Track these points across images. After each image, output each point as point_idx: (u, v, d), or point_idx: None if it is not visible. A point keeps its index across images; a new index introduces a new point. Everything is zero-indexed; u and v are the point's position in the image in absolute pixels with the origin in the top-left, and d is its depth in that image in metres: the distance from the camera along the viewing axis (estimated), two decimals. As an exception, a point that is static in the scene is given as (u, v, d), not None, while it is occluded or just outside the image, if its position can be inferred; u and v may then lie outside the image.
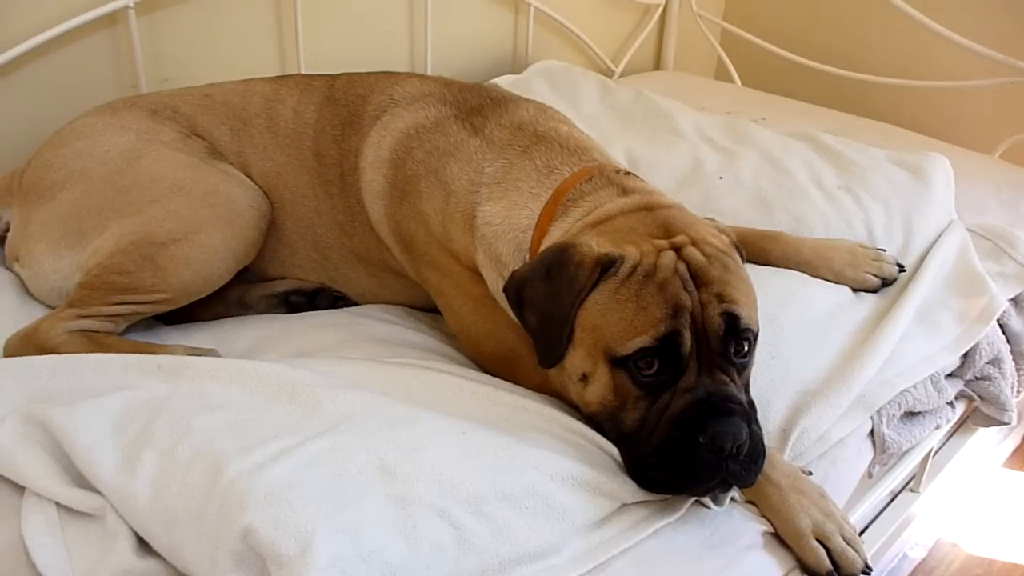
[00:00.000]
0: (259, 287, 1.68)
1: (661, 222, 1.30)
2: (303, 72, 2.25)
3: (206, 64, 2.17)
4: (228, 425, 1.16)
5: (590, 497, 1.18)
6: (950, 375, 1.70)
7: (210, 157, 1.63)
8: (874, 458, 1.55)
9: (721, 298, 1.22)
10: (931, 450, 1.80)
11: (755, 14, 3.42)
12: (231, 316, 1.64)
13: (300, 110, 1.68)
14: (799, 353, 1.53)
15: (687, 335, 1.19)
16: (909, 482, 1.83)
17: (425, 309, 1.68)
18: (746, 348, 1.26)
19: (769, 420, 1.39)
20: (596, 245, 1.24)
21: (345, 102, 1.68)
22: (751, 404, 1.26)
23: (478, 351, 1.49)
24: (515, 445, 1.19)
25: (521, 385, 1.39)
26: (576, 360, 1.27)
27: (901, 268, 1.76)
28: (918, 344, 1.63)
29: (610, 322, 1.22)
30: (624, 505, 1.21)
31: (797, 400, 1.45)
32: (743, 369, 1.28)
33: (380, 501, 1.06)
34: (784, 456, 1.38)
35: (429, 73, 2.35)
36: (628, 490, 1.21)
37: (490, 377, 1.41)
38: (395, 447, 1.13)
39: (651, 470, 1.20)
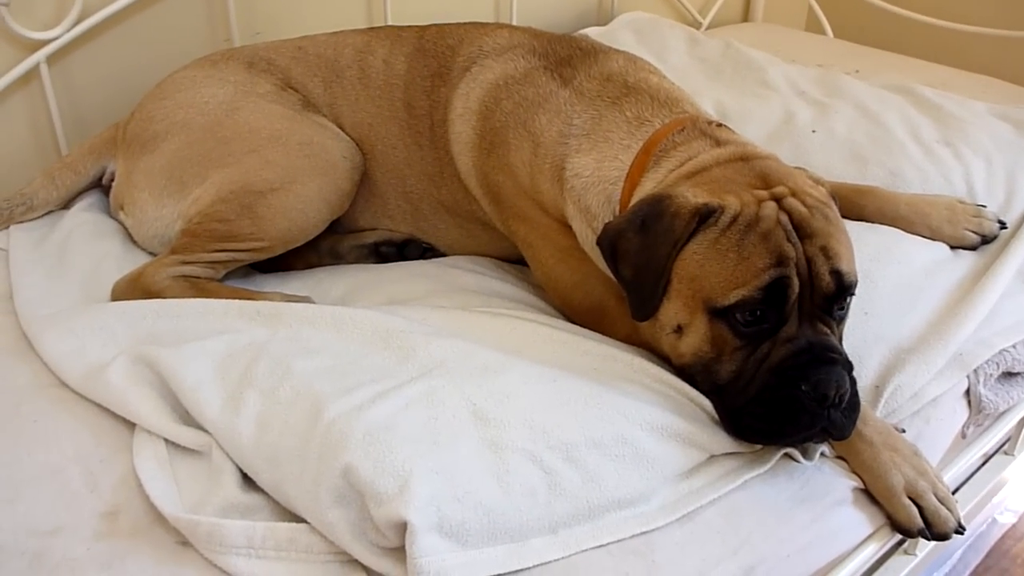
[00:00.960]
0: (350, 237, 1.71)
1: (758, 172, 1.28)
2: (391, 24, 2.25)
3: (296, 18, 2.19)
4: (326, 369, 1.19)
5: (679, 447, 1.18)
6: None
7: (304, 109, 1.65)
8: (969, 418, 1.52)
9: (826, 252, 1.21)
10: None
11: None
12: (324, 266, 1.68)
13: (391, 61, 1.69)
14: (893, 310, 1.49)
15: (793, 285, 1.18)
16: (1003, 444, 1.78)
17: (513, 261, 1.69)
18: (847, 301, 1.26)
19: (862, 377, 1.36)
20: (693, 196, 1.23)
21: (435, 53, 1.68)
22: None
23: (566, 302, 1.50)
24: (605, 394, 1.19)
25: (609, 336, 1.39)
26: (671, 312, 1.26)
27: (1002, 225, 1.70)
28: (1019, 302, 1.59)
29: (709, 273, 1.21)
30: (713, 456, 1.22)
31: (891, 357, 1.43)
32: (840, 321, 1.27)
33: (474, 444, 1.08)
34: (876, 413, 1.36)
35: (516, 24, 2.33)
36: (718, 441, 1.21)
37: (579, 328, 1.41)
38: (487, 393, 1.15)
39: (748, 419, 1.20)
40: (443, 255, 1.72)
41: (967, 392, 1.50)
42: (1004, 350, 1.52)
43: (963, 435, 1.54)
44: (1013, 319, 1.56)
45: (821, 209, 1.25)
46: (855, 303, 1.32)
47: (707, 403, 1.24)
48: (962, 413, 1.50)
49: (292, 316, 1.32)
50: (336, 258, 1.70)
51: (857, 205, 1.67)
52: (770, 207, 1.22)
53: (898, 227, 1.67)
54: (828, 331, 1.22)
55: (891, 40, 3.00)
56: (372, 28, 1.83)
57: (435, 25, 1.77)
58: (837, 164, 1.87)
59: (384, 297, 1.50)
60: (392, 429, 1.07)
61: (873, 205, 1.67)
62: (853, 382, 1.20)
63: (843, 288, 1.22)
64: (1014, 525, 2.21)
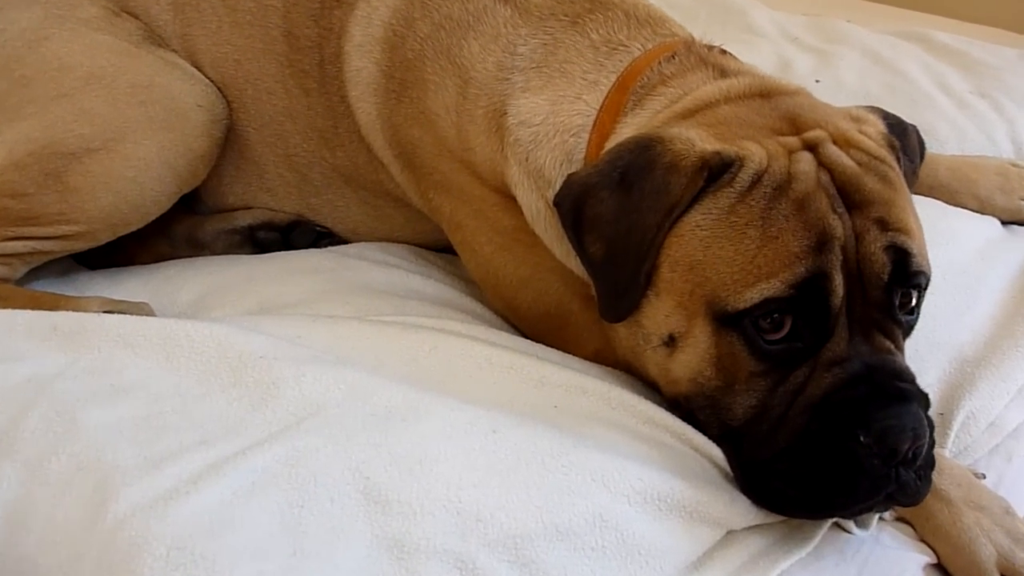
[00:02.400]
0: (216, 219, 1.28)
1: (785, 113, 0.93)
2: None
3: None
4: (134, 421, 0.77)
5: (685, 525, 0.81)
6: None
7: (145, 41, 1.22)
8: (1047, 450, 1.14)
9: (884, 224, 0.86)
10: None
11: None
12: (180, 258, 1.25)
13: None
14: (949, 307, 1.14)
15: (838, 280, 0.83)
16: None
17: (439, 249, 1.28)
18: (914, 299, 0.91)
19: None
20: (698, 139, 0.87)
21: None
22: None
23: (511, 305, 1.10)
24: (572, 450, 0.80)
25: (573, 353, 1.01)
26: (660, 314, 0.90)
27: None
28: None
29: (719, 258, 0.85)
30: (732, 533, 0.84)
31: (954, 372, 1.08)
32: (909, 331, 0.91)
33: (363, 548, 0.69)
34: (945, 453, 0.99)
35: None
36: (739, 511, 0.84)
37: (532, 344, 1.01)
38: (389, 457, 0.75)
39: (777, 481, 0.85)
40: (344, 242, 1.29)
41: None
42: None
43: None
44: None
45: (875, 166, 0.90)
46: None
47: (719, 453, 0.87)
48: (1052, 445, 1.13)
49: (103, 335, 0.88)
50: (196, 247, 1.27)
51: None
52: (806, 161, 0.87)
53: (937, 198, 1.32)
54: (892, 347, 0.87)
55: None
56: None
57: None
58: (850, 120, 1.50)
59: (253, 302, 1.07)
60: (223, 532, 0.66)
61: (906, 172, 1.30)
62: (931, 426, 0.84)
63: (904, 273, 0.87)
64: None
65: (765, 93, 0.96)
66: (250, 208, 1.30)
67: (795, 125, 0.91)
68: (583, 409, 0.87)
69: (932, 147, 1.42)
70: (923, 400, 0.85)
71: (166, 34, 1.25)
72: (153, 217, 1.16)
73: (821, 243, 0.83)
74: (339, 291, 1.08)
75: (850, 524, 0.89)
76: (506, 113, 1.04)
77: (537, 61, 1.05)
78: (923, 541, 0.93)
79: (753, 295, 0.82)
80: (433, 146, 1.10)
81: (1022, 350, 1.09)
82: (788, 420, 0.84)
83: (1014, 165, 1.37)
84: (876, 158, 0.91)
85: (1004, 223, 1.33)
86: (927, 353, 1.07)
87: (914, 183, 1.01)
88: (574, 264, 1.02)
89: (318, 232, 1.29)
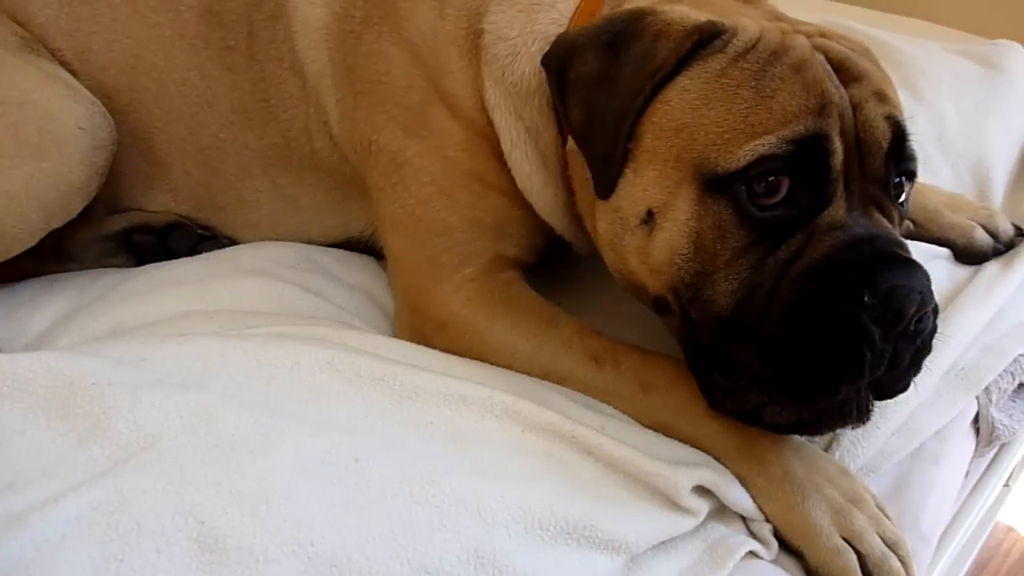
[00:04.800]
0: (85, 227, 1.15)
1: (772, 13, 0.93)
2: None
3: None
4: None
5: (575, 554, 0.72)
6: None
7: (23, 49, 1.09)
8: (975, 452, 1.09)
9: (883, 97, 0.83)
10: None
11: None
12: (45, 274, 1.11)
13: None
14: None
15: (837, 142, 0.79)
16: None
17: (356, 247, 1.19)
18: (906, 190, 0.87)
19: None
20: (692, 12, 0.84)
21: None
22: None
23: (409, 251, 1.02)
24: (445, 476, 0.71)
25: (426, 311, 0.97)
26: (638, 189, 0.85)
27: (1019, 232, 1.24)
28: (1030, 290, 1.16)
29: (708, 119, 0.80)
30: (636, 559, 0.76)
31: None
32: (902, 219, 0.88)
33: None
34: (858, 460, 0.92)
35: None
36: (637, 528, 0.75)
37: (410, 348, 0.92)
38: (230, 496, 0.65)
39: (779, 360, 0.77)
40: (227, 244, 1.18)
41: (975, 419, 1.07)
42: (1020, 356, 1.09)
43: (965, 474, 1.10)
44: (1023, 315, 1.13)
45: (866, 54, 0.89)
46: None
47: (619, 453, 0.79)
48: (969, 446, 1.07)
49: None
50: (65, 260, 1.14)
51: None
52: (801, 39, 0.84)
53: None
54: (889, 224, 0.83)
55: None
56: None
57: None
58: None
59: (107, 325, 0.96)
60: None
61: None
62: (936, 310, 0.80)
63: (901, 147, 0.83)
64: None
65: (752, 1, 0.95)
66: (122, 214, 1.18)
67: (788, 23, 0.89)
68: (462, 422, 0.78)
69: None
70: (925, 275, 0.78)
71: (49, 34, 1.13)
72: (10, 256, 1.01)
73: (820, 105, 0.78)
74: (204, 306, 0.96)
75: (762, 549, 0.82)
76: (482, 31, 0.97)
77: None
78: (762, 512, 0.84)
79: (747, 153, 0.77)
80: (403, 78, 1.01)
81: (937, 353, 0.99)
82: (781, 291, 0.77)
83: (958, 195, 1.29)
84: (865, 50, 0.89)
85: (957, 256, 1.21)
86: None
87: None
88: (540, 202, 0.98)
89: (199, 234, 1.18)
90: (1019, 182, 1.41)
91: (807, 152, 0.78)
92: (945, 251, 1.20)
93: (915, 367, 0.80)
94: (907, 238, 1.19)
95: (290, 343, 0.82)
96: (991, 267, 1.16)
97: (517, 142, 0.97)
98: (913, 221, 1.22)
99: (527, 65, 0.96)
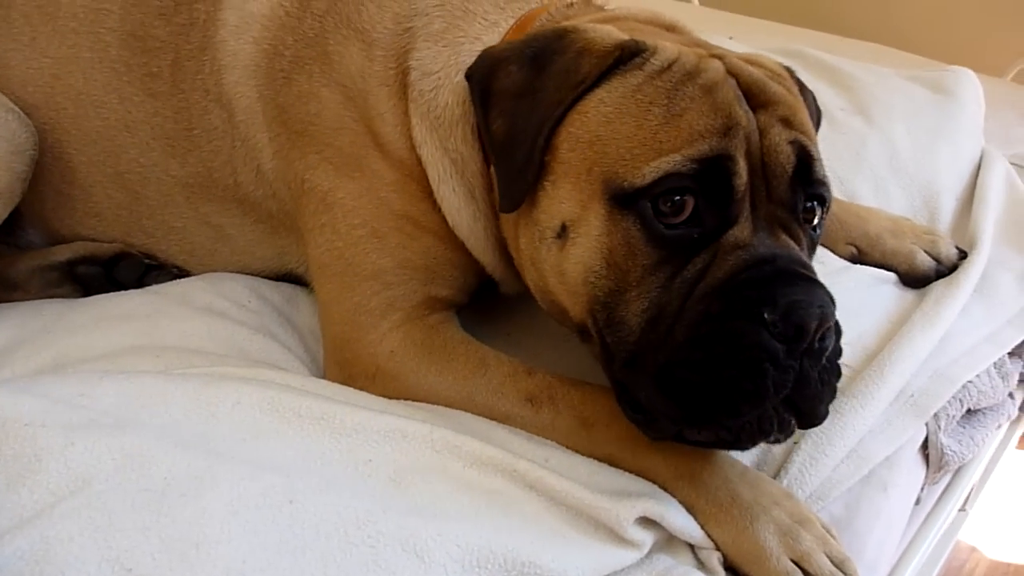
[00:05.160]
0: (30, 256, 1.14)
1: (691, 40, 0.95)
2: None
3: None
4: None
5: None
6: (1011, 354, 1.23)
7: None
8: (926, 478, 1.09)
9: (789, 123, 0.84)
10: (990, 458, 1.34)
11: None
12: (-12, 304, 1.10)
13: None
14: None
15: (742, 163, 0.80)
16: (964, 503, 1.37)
17: (276, 278, 1.17)
18: (817, 217, 0.88)
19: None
20: (615, 31, 0.87)
21: None
22: None
23: (340, 297, 1.00)
24: (382, 516, 0.71)
25: (362, 358, 0.96)
26: (555, 201, 0.86)
27: (962, 254, 1.25)
28: (976, 319, 1.17)
29: (620, 134, 0.82)
30: None
31: None
32: (812, 248, 0.89)
33: None
34: (806, 487, 0.93)
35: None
36: (577, 563, 0.74)
37: (350, 390, 0.92)
38: (159, 542, 0.64)
39: (676, 387, 0.77)
40: (175, 275, 1.17)
41: (924, 444, 1.07)
42: (968, 382, 1.10)
43: (916, 500, 1.11)
44: (972, 340, 1.14)
45: (778, 79, 0.90)
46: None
47: (560, 486, 0.79)
48: (919, 473, 1.08)
49: None
50: (8, 289, 1.12)
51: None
52: (715, 63, 0.86)
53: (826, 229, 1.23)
54: (795, 246, 0.83)
55: (763, 7, 2.62)
56: None
57: None
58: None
59: (49, 358, 0.94)
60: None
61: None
62: (839, 330, 0.81)
63: (808, 173, 0.84)
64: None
65: (671, 27, 0.98)
66: (73, 242, 1.17)
67: (704, 48, 0.91)
68: (401, 459, 0.77)
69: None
70: (828, 295, 0.78)
71: None
72: None
73: (727, 127, 0.80)
74: (151, 343, 0.95)
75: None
76: (409, 68, 0.98)
77: (436, 3, 1.00)
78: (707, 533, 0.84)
79: (652, 170, 0.78)
80: (334, 120, 1.01)
81: (882, 379, 1.01)
82: (686, 312, 0.77)
83: (904, 219, 1.30)
84: (779, 74, 0.91)
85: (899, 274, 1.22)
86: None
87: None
88: (471, 237, 0.98)
89: (147, 265, 1.16)
90: (967, 206, 1.43)
91: (711, 172, 0.79)
92: (891, 276, 1.22)
93: (828, 388, 0.79)
94: (852, 262, 1.22)
95: (231, 383, 0.82)
96: (936, 289, 1.17)
97: (444, 176, 0.97)
98: (857, 248, 1.23)
99: (450, 96, 0.97)
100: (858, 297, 1.14)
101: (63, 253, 1.15)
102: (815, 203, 0.86)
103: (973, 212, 1.36)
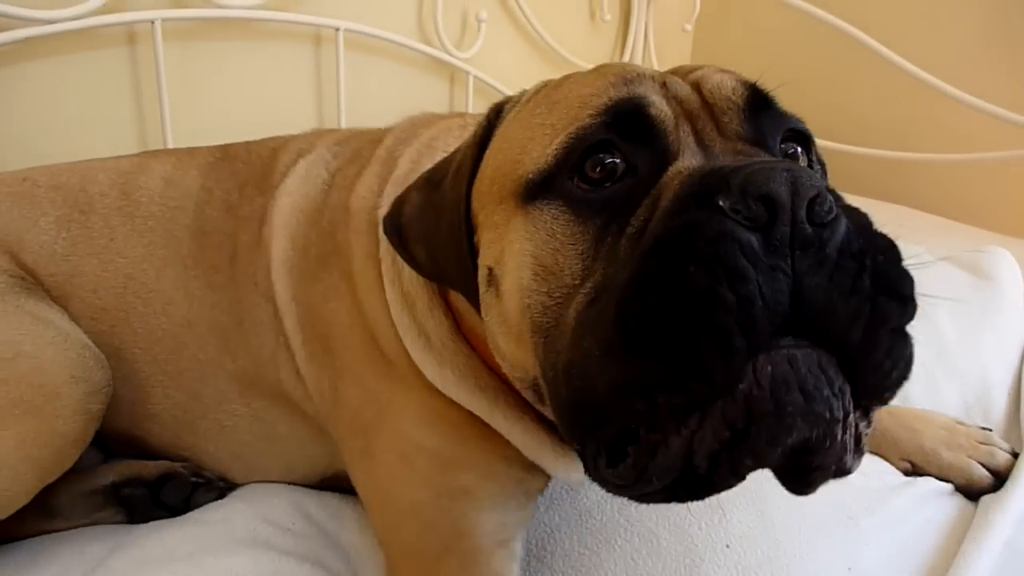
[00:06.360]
0: (72, 480, 1.09)
1: None
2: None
3: (41, 143, 1.58)
4: None
5: None
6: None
7: (11, 290, 1.06)
8: None
9: (727, 71, 0.75)
10: None
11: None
12: (28, 535, 1.06)
13: (176, 178, 1.16)
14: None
15: (658, 100, 0.70)
16: None
17: (334, 488, 1.14)
18: (802, 160, 0.75)
19: None
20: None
21: (247, 160, 1.18)
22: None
23: (393, 539, 0.94)
24: None
25: None
26: (482, 260, 0.78)
27: (1014, 455, 1.21)
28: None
29: (511, 150, 0.76)
30: None
31: None
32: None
33: None
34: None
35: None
36: None
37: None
38: None
39: (618, 369, 0.57)
40: (222, 491, 1.13)
41: None
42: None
43: None
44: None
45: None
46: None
47: None
48: None
49: None
50: (49, 517, 1.08)
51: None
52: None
53: (874, 446, 1.21)
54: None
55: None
56: (146, 151, 1.30)
57: (242, 142, 1.27)
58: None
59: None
60: None
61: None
62: (857, 214, 0.60)
63: (775, 113, 0.72)
64: None
65: None
66: (114, 462, 1.14)
67: None
68: None
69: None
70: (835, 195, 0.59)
71: (42, 261, 1.11)
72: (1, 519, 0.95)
73: (625, 79, 0.72)
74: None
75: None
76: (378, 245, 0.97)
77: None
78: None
79: (558, 143, 0.69)
80: (348, 315, 0.98)
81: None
82: (631, 267, 0.60)
83: (960, 423, 1.26)
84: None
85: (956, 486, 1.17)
86: None
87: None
88: (491, 413, 0.89)
89: (194, 483, 1.13)
90: (1015, 399, 1.40)
91: (623, 115, 0.68)
92: (947, 487, 1.18)
93: (879, 320, 0.55)
94: (906, 475, 1.18)
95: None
96: (986, 504, 1.12)
97: (426, 356, 0.91)
98: (912, 463, 1.20)
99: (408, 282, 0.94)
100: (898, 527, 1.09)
101: (107, 475, 1.11)
102: (793, 145, 0.74)
103: (1022, 411, 1.34)
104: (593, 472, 0.66)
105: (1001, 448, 1.21)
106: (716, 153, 0.67)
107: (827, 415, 0.55)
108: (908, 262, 0.60)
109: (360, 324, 0.96)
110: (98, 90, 1.60)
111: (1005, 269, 1.62)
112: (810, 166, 0.75)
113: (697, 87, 0.73)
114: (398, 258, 0.93)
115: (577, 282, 0.66)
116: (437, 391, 0.91)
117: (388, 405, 0.93)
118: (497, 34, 2.33)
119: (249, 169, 1.16)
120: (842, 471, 0.61)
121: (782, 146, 0.72)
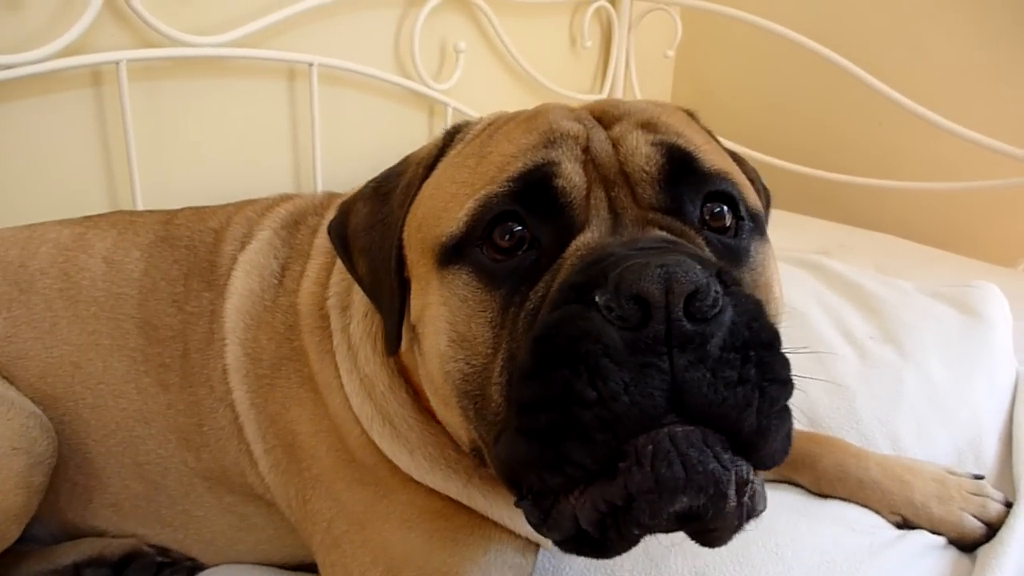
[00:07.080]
0: (33, 559, 1.06)
1: None
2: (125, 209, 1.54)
3: (5, 188, 1.53)
4: None
5: None
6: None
7: None
8: None
9: (652, 128, 0.74)
10: None
11: (704, 104, 2.94)
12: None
13: (117, 260, 1.12)
14: None
15: (569, 166, 0.70)
16: None
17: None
18: (727, 219, 0.74)
19: None
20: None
21: (190, 243, 1.12)
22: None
23: None
24: None
25: None
26: (411, 303, 0.79)
27: (1007, 504, 1.18)
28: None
29: (438, 200, 0.75)
30: None
31: None
32: (730, 254, 0.73)
33: None
34: None
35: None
36: None
37: None
38: None
39: (515, 445, 0.63)
40: (192, 570, 1.08)
41: None
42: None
43: None
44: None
45: (656, 104, 0.83)
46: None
47: None
48: None
49: None
50: (9, 601, 1.03)
51: (809, 455, 1.16)
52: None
53: (867, 496, 1.17)
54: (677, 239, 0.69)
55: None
56: (89, 216, 1.24)
57: (189, 208, 1.21)
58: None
59: None
60: None
61: (832, 459, 1.16)
62: (744, 300, 0.62)
63: (697, 175, 0.72)
64: None
65: None
66: (78, 540, 1.08)
67: None
68: None
69: (840, 409, 1.33)
70: (717, 271, 0.60)
71: None
72: None
73: (547, 140, 0.71)
74: None
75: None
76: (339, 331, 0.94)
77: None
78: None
79: (467, 210, 0.69)
80: (311, 422, 0.93)
81: None
82: (522, 350, 0.64)
83: (951, 473, 1.22)
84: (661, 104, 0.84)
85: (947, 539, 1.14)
86: None
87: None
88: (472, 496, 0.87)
89: (158, 563, 1.07)
90: (1007, 443, 1.37)
91: (532, 185, 0.68)
92: (940, 540, 1.14)
93: (755, 395, 0.59)
94: (898, 527, 1.15)
95: None
96: (982, 561, 1.08)
97: (397, 444, 0.88)
98: (903, 517, 1.16)
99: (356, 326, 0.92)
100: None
101: (69, 554, 1.07)
102: (719, 205, 0.73)
103: (1014, 457, 1.30)
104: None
105: (994, 499, 1.18)
106: (626, 223, 0.68)
107: (711, 487, 0.58)
108: (786, 349, 0.64)
109: (326, 429, 0.92)
110: (62, 134, 1.55)
111: (993, 306, 1.59)
112: (738, 222, 0.74)
113: (616, 146, 0.73)
114: (353, 344, 0.90)
115: (491, 351, 0.68)
116: (415, 483, 0.87)
117: (366, 516, 0.89)
118: (476, 64, 2.30)
119: (193, 257, 1.10)
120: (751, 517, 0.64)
121: (706, 206, 0.73)
